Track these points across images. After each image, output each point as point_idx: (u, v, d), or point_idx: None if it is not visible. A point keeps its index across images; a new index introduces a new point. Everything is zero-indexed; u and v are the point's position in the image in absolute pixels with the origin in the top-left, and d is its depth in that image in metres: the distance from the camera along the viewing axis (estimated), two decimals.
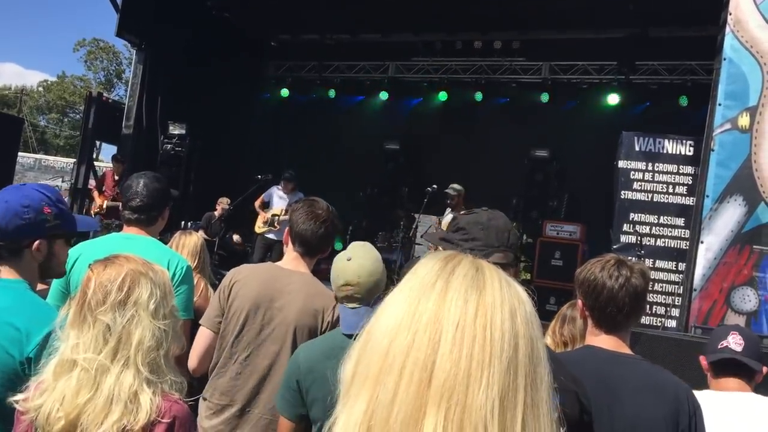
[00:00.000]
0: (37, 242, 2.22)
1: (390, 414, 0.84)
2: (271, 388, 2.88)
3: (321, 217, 3.05)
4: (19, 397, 1.83)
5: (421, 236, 9.12)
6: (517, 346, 0.86)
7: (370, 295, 2.48)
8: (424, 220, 9.73)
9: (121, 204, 3.42)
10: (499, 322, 0.87)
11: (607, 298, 2.25)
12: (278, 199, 10.19)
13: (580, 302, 2.37)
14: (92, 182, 11.97)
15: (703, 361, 2.80)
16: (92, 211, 10.73)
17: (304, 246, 3.07)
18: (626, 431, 2.15)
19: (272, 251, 9.79)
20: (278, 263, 3.19)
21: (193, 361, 3.04)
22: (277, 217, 9.99)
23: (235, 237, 11.12)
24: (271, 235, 10.05)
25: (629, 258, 2.47)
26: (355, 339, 0.95)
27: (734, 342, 2.71)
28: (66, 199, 2.67)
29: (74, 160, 14.91)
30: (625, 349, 2.31)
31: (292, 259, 3.11)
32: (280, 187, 10.18)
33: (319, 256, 3.15)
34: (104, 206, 10.60)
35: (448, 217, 9.17)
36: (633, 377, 2.24)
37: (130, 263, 1.93)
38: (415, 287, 0.92)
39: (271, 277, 3.05)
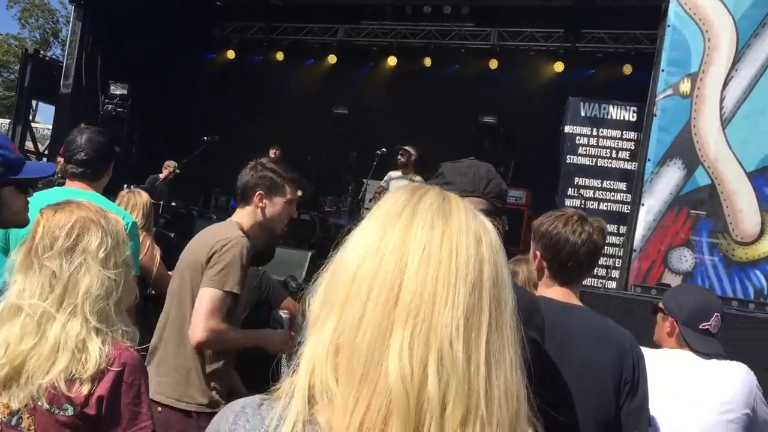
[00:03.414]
0: None
1: (357, 333, 0.85)
2: (169, 328, 2.97)
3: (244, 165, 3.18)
4: None
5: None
6: (481, 270, 0.89)
7: None
8: (373, 185, 9.72)
9: (63, 158, 3.31)
10: (464, 247, 0.89)
11: (569, 252, 2.31)
12: None
13: (538, 253, 2.41)
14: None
15: (674, 324, 2.74)
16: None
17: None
18: (575, 377, 2.23)
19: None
20: None
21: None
22: None
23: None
24: None
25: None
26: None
27: (714, 325, 2.71)
28: None
29: (10, 120, 14.32)
30: (576, 301, 2.40)
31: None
32: None
33: (253, 204, 3.12)
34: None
35: (395, 180, 9.15)
36: (582, 326, 2.31)
37: (82, 210, 1.88)
38: (381, 216, 0.93)
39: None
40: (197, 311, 2.79)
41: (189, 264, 2.96)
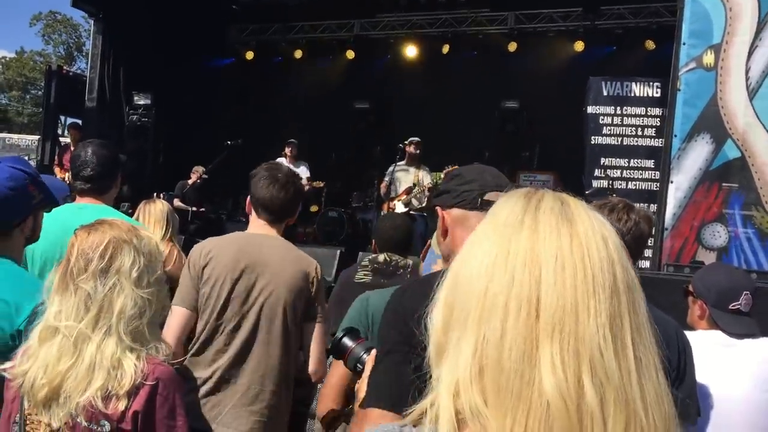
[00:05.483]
0: (27, 220, 2.28)
1: (502, 352, 0.83)
2: (258, 357, 2.81)
3: (281, 180, 2.93)
4: (7, 365, 1.86)
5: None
6: (615, 273, 0.86)
7: None
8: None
9: (71, 175, 3.32)
10: (595, 251, 0.86)
11: None
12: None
13: None
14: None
15: (703, 306, 2.72)
16: None
17: (268, 213, 2.96)
18: None
19: None
20: (247, 231, 3.07)
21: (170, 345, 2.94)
22: None
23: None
24: None
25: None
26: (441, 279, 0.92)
27: (745, 304, 2.67)
28: None
29: (39, 137, 14.60)
30: None
31: (260, 227, 2.99)
32: (284, 159, 10.12)
33: (288, 222, 3.05)
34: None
35: (400, 171, 9.18)
36: None
37: (114, 230, 1.91)
38: (500, 227, 0.90)
39: (247, 243, 2.95)
40: (320, 349, 2.79)
41: (294, 289, 2.83)
